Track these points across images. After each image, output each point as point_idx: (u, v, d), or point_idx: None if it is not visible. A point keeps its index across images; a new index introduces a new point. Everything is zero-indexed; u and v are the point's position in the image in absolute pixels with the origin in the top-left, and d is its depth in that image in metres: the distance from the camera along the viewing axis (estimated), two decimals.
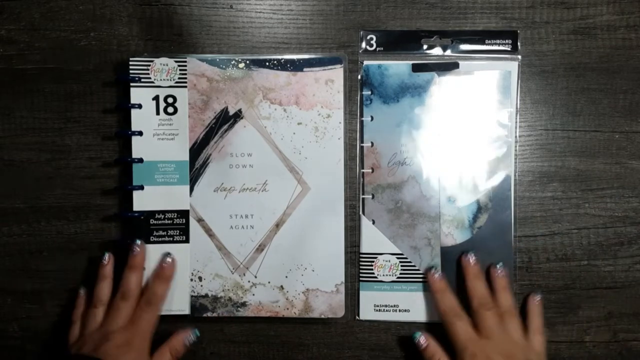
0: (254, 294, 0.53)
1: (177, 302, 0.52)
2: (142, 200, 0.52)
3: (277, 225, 0.53)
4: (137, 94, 0.52)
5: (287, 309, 0.53)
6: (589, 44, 0.50)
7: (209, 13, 0.50)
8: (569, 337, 0.52)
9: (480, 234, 0.51)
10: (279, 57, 0.52)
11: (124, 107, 0.52)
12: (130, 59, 0.52)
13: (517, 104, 0.49)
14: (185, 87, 0.52)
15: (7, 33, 0.49)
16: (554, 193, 0.50)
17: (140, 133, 0.52)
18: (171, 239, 0.52)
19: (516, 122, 0.49)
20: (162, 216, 0.52)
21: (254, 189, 0.53)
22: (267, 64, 0.53)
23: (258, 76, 0.53)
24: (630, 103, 0.50)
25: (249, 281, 0.53)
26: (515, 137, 0.49)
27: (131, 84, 0.52)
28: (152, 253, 0.52)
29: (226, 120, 0.53)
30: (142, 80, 0.52)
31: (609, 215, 0.50)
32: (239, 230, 0.53)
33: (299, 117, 0.53)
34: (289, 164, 0.53)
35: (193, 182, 0.53)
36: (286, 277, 0.53)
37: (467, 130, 0.51)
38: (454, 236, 0.52)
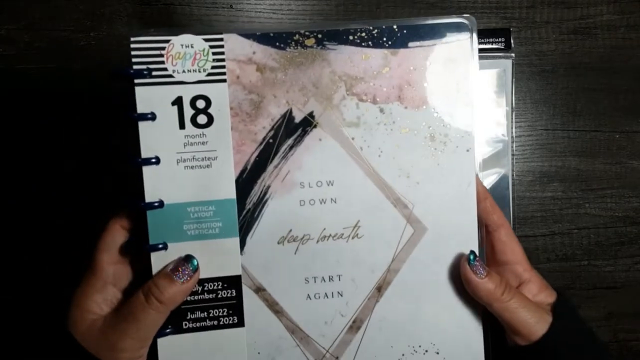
0: None
1: None
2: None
3: (380, 289, 0.34)
4: (146, 97, 0.32)
5: None
6: (590, 43, 0.50)
7: (209, 13, 0.48)
8: None
9: None
10: (370, 25, 0.33)
11: (129, 118, 0.32)
12: (132, 38, 0.32)
13: (512, 102, 0.48)
14: (224, 81, 0.33)
15: (6, 32, 0.48)
16: (554, 193, 0.50)
17: (156, 160, 0.32)
18: (215, 322, 0.33)
19: (512, 120, 0.48)
20: (199, 288, 0.33)
21: (341, 236, 0.34)
22: (351, 37, 0.33)
23: (337, 58, 0.33)
24: (631, 103, 0.50)
25: None
26: (512, 135, 0.48)
27: (135, 81, 0.32)
28: (187, 346, 0.33)
29: (291, 131, 0.33)
30: (154, 73, 0.32)
31: (610, 215, 0.50)
32: (321, 300, 0.34)
33: (404, 120, 0.34)
34: (393, 193, 0.34)
35: (245, 231, 0.33)
36: None
37: None
38: None
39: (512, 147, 0.48)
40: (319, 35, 0.33)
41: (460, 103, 0.34)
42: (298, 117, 0.33)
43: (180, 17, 0.48)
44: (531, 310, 0.33)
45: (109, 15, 0.48)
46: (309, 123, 0.33)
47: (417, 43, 0.34)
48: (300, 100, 0.33)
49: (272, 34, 0.33)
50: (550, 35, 0.49)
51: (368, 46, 0.33)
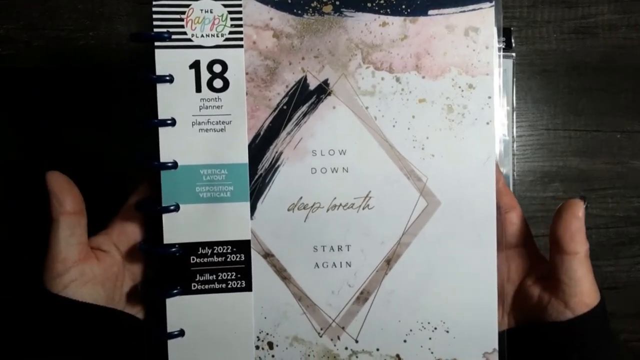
0: None
1: None
2: (178, 228, 0.33)
3: (389, 262, 0.34)
4: (165, 60, 0.33)
5: None
6: (591, 43, 0.49)
7: None
8: None
9: None
10: None
11: (148, 80, 0.33)
12: (154, 2, 0.32)
13: (513, 101, 0.48)
14: (241, 46, 0.33)
15: (5, 32, 0.48)
16: (555, 193, 0.49)
17: (171, 122, 0.33)
18: (224, 285, 0.34)
19: (513, 120, 0.48)
20: (209, 251, 0.34)
21: (351, 206, 0.34)
22: (370, 4, 0.33)
23: (354, 25, 0.33)
24: (632, 102, 0.49)
25: (346, 348, 0.34)
26: (513, 135, 0.47)
27: (156, 44, 0.33)
28: (195, 307, 0.34)
29: (305, 98, 0.33)
30: (174, 37, 0.33)
31: (611, 215, 0.50)
32: (329, 269, 0.34)
33: (421, 90, 0.33)
34: (407, 165, 0.33)
35: (256, 196, 0.34)
36: (405, 341, 0.34)
37: None
38: None
39: (513, 147, 0.48)
40: (337, 2, 0.33)
41: (480, 73, 0.33)
42: (313, 84, 0.33)
43: None
44: (594, 279, 0.32)
45: (108, 15, 0.48)
46: (323, 90, 0.33)
47: (438, 11, 0.33)
48: (315, 67, 0.33)
49: (289, 0, 0.33)
50: (551, 35, 0.49)
51: (386, 13, 0.33)
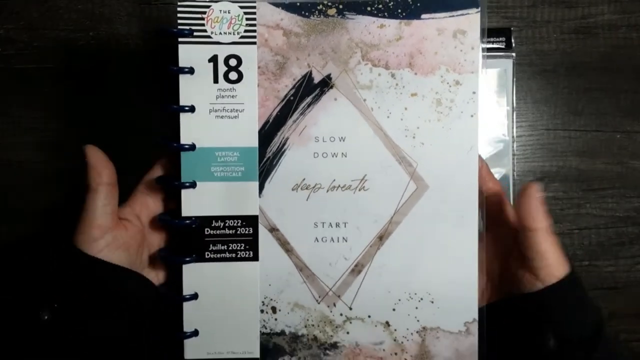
0: (348, 332, 0.38)
1: (242, 342, 0.38)
2: (194, 202, 0.37)
3: (381, 238, 0.38)
4: (187, 54, 0.37)
5: (395, 354, 0.38)
6: (591, 43, 0.49)
7: None
8: None
9: None
10: None
11: (171, 72, 0.37)
12: (179, 2, 0.37)
13: (513, 101, 0.48)
14: (254, 43, 0.37)
15: (5, 32, 0.48)
16: (555, 193, 0.50)
17: (191, 109, 0.37)
18: (234, 255, 0.38)
19: (513, 120, 0.48)
20: (221, 224, 0.38)
21: (349, 187, 0.38)
22: (369, 8, 0.37)
23: (355, 27, 0.37)
24: (632, 103, 0.50)
25: (341, 314, 0.38)
26: (512, 135, 0.48)
27: (179, 40, 0.37)
28: (208, 273, 0.38)
29: (310, 90, 0.37)
30: (195, 34, 0.37)
31: (611, 215, 0.50)
32: (328, 244, 0.38)
33: (413, 85, 0.37)
34: (399, 152, 0.37)
35: (264, 177, 0.38)
36: (394, 310, 0.38)
37: None
38: None
39: (513, 147, 0.48)
40: (340, 6, 0.37)
41: (466, 71, 0.37)
42: (317, 78, 0.37)
43: None
44: (560, 251, 0.36)
45: (108, 15, 0.48)
46: (326, 84, 0.37)
47: (429, 15, 0.37)
48: (319, 63, 0.37)
49: (298, 3, 0.37)
50: (551, 35, 0.49)
51: (384, 17, 0.37)
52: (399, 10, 0.37)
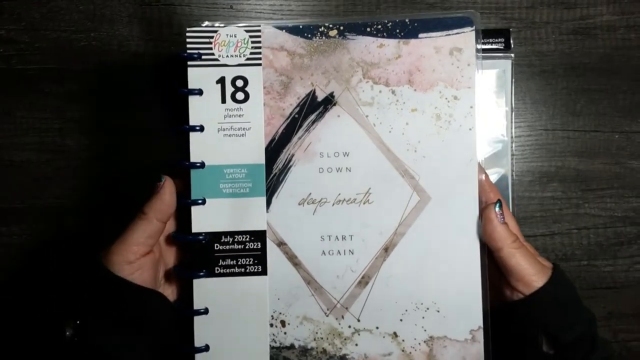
0: (357, 344, 0.39)
1: (252, 356, 0.39)
2: (204, 218, 0.38)
3: (387, 250, 0.39)
4: (196, 76, 0.39)
5: None
6: (589, 44, 0.50)
7: (209, 13, 0.49)
8: None
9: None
10: (385, 19, 0.39)
11: (180, 94, 0.39)
12: (188, 28, 0.39)
13: (511, 102, 0.48)
14: (260, 64, 0.39)
15: (6, 33, 0.48)
16: (553, 193, 0.50)
17: (201, 128, 0.39)
18: (242, 270, 0.39)
19: (511, 120, 0.48)
20: (230, 239, 0.39)
21: (354, 201, 0.39)
22: (369, 29, 0.39)
23: (356, 47, 0.39)
24: (630, 103, 0.50)
25: (349, 326, 0.39)
26: (511, 135, 0.48)
27: (189, 63, 0.39)
28: (218, 288, 0.39)
29: (314, 108, 0.39)
30: (203, 57, 0.39)
31: (609, 215, 0.50)
32: (334, 257, 0.39)
33: (413, 101, 0.38)
34: (401, 165, 0.39)
35: (271, 192, 0.39)
36: (401, 320, 0.39)
37: None
38: None
39: (512, 147, 0.48)
40: (341, 28, 0.39)
41: (464, 87, 0.38)
42: (320, 96, 0.39)
43: (180, 18, 0.48)
44: (534, 262, 0.37)
45: (109, 16, 0.48)
46: (329, 102, 0.39)
47: (427, 34, 0.38)
48: (322, 82, 0.39)
49: (301, 26, 0.39)
50: (550, 36, 0.49)
51: (383, 37, 0.39)
52: (397, 30, 0.39)
